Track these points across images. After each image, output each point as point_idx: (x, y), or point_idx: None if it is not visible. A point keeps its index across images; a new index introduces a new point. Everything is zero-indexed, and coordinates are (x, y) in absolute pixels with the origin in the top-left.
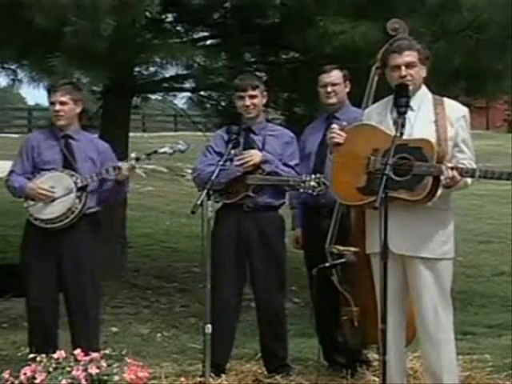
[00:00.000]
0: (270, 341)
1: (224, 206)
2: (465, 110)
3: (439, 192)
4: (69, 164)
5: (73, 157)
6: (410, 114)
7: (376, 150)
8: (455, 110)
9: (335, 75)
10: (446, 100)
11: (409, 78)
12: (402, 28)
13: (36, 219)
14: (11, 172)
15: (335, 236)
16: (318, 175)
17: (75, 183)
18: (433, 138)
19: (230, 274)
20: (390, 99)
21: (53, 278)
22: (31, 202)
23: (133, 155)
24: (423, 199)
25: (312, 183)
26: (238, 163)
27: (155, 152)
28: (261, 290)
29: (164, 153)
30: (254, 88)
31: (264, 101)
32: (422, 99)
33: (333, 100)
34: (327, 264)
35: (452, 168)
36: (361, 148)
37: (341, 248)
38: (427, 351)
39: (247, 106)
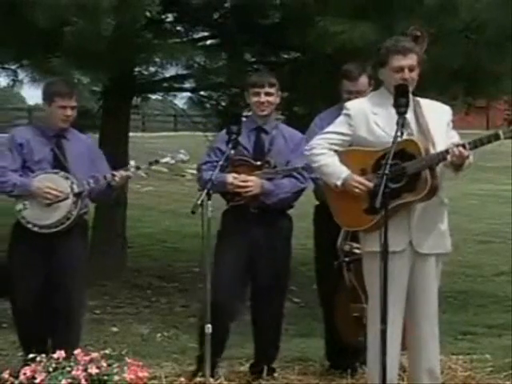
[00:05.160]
0: (264, 344)
1: (230, 208)
2: (447, 108)
3: (444, 179)
4: (60, 164)
5: (64, 157)
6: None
7: (363, 170)
8: (439, 106)
9: (362, 82)
10: (424, 100)
11: (410, 80)
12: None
13: (28, 222)
14: (1, 168)
15: (349, 233)
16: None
17: (71, 188)
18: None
19: (234, 277)
20: (383, 97)
21: (39, 281)
22: (27, 205)
23: (132, 163)
24: (429, 193)
25: (299, 165)
26: (235, 183)
27: (157, 162)
28: (261, 293)
29: (166, 163)
30: (271, 85)
31: (278, 100)
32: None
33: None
34: (347, 259)
35: (457, 145)
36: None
37: (354, 245)
38: (427, 348)
39: (262, 103)
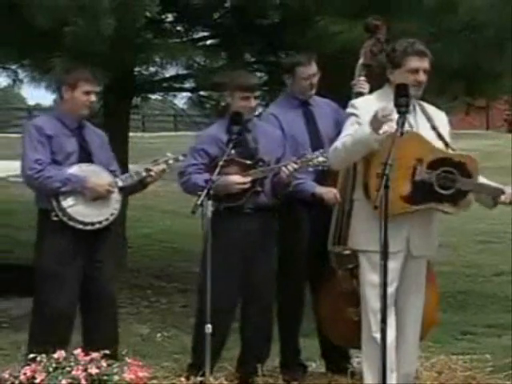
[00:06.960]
0: (256, 344)
1: (224, 210)
2: (444, 114)
3: None
4: (88, 157)
5: (89, 148)
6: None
7: (420, 160)
8: (440, 112)
9: (314, 66)
10: (427, 104)
11: (422, 83)
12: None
13: (71, 219)
14: (37, 160)
15: (337, 236)
16: (321, 150)
17: (116, 183)
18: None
19: (233, 277)
20: (391, 99)
21: (77, 282)
22: (72, 202)
23: (170, 155)
24: (463, 210)
25: (320, 159)
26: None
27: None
28: (256, 293)
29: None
30: (258, 88)
31: None
32: (414, 104)
33: (313, 91)
34: (350, 266)
35: None
36: (405, 158)
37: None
38: (413, 351)
39: (251, 108)
